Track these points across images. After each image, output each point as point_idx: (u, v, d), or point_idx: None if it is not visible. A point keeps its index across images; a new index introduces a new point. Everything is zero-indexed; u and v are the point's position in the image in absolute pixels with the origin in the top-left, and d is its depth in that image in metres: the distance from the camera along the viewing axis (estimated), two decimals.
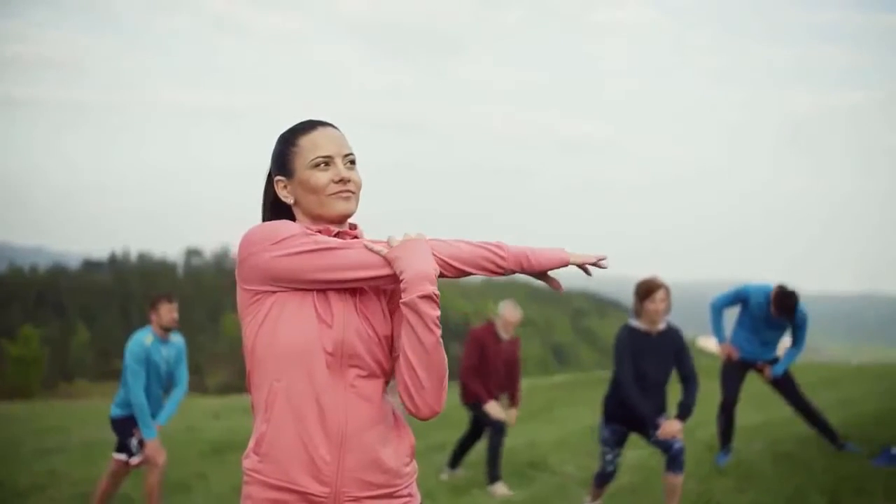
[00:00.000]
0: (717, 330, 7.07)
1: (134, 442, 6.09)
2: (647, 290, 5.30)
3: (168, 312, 6.12)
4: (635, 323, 5.41)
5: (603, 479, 5.72)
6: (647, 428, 5.32)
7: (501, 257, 2.12)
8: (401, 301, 2.00)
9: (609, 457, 5.58)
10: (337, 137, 2.14)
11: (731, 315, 7.08)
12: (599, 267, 2.20)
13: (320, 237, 2.04)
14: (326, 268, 2.00)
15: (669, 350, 5.39)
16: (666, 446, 5.27)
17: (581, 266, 2.19)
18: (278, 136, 2.20)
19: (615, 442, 5.55)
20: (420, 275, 1.98)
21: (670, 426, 5.21)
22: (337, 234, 2.12)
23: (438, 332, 2.00)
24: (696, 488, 6.11)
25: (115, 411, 6.19)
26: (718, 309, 7.01)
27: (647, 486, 6.48)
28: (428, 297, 1.97)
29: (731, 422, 7.00)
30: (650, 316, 5.32)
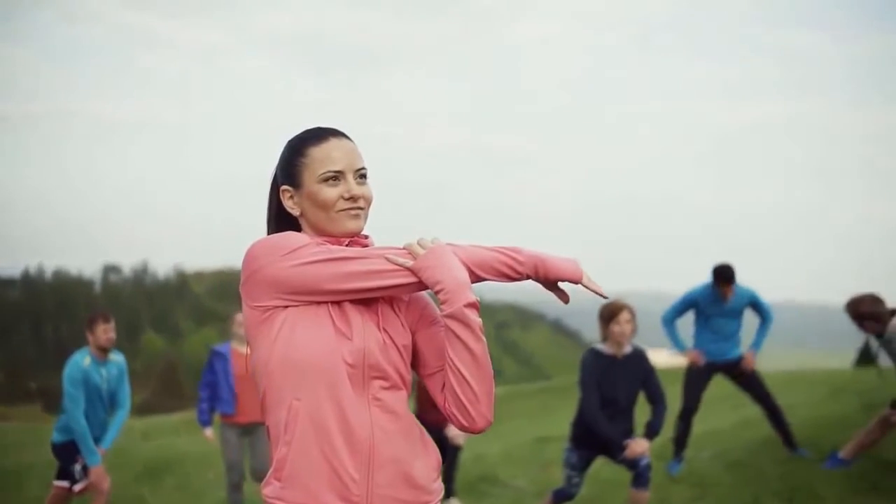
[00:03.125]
0: (675, 341, 7.10)
1: (77, 468, 5.83)
2: (610, 312, 5.20)
3: (104, 332, 5.87)
4: (601, 346, 5.31)
5: (563, 497, 5.64)
6: (614, 451, 5.26)
7: (519, 262, 2.03)
8: (444, 314, 1.91)
9: (575, 480, 5.50)
10: (349, 150, 2.04)
11: (687, 328, 7.13)
12: (600, 296, 2.15)
13: (333, 247, 1.95)
14: (345, 277, 1.91)
15: (636, 372, 5.31)
16: (633, 464, 5.23)
17: (588, 288, 2.11)
18: (287, 141, 2.10)
19: (582, 467, 5.48)
20: (459, 283, 1.91)
21: (637, 445, 5.16)
22: (348, 244, 2.03)
23: (484, 340, 1.93)
24: (653, 497, 6.09)
25: (57, 437, 5.93)
26: (670, 321, 7.05)
27: (602, 499, 6.44)
28: (472, 305, 1.91)
29: (688, 430, 7.02)
30: (616, 339, 5.23)
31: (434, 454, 2.05)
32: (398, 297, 2.06)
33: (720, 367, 7.02)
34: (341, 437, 1.89)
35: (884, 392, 9.95)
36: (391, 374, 1.96)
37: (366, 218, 2.05)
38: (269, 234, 2.13)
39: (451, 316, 1.90)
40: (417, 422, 2.05)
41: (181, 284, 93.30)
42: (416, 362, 2.07)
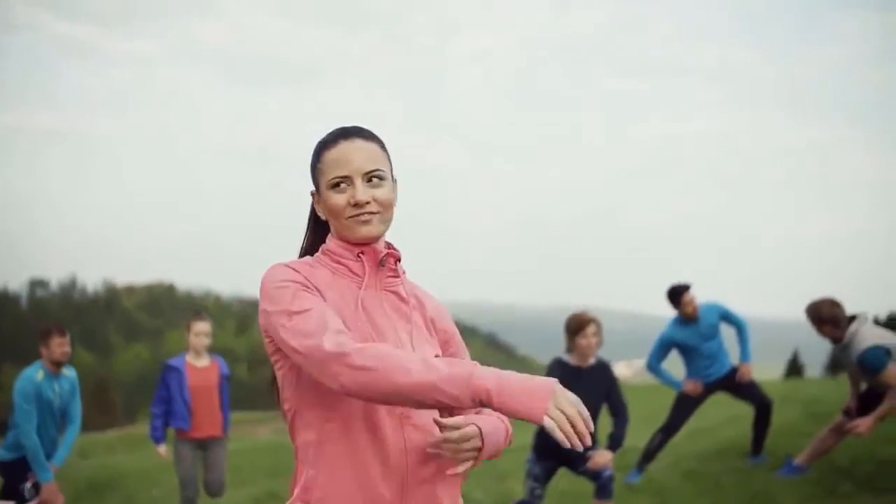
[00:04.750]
0: (670, 381, 7.20)
1: (28, 486, 5.64)
2: (577, 325, 5.22)
3: (59, 346, 5.70)
4: (566, 357, 5.34)
5: None
6: (576, 462, 5.27)
7: (452, 395, 1.66)
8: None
9: (538, 491, 5.50)
10: (358, 152, 1.92)
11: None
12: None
13: (289, 295, 1.82)
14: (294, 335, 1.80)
15: (600, 384, 5.33)
16: (595, 475, 5.24)
17: (552, 435, 1.65)
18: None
19: (545, 478, 5.48)
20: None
21: (601, 457, 5.19)
22: (360, 254, 1.94)
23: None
24: None
25: (4, 454, 5.72)
26: (656, 367, 7.14)
27: None
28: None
29: (663, 445, 7.14)
30: (582, 351, 5.25)
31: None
32: (426, 308, 2.01)
33: (714, 385, 7.10)
34: (375, 459, 1.83)
35: (828, 400, 10.20)
36: None
37: (385, 221, 1.94)
38: (304, 237, 2.08)
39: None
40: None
41: (111, 299, 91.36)
42: None
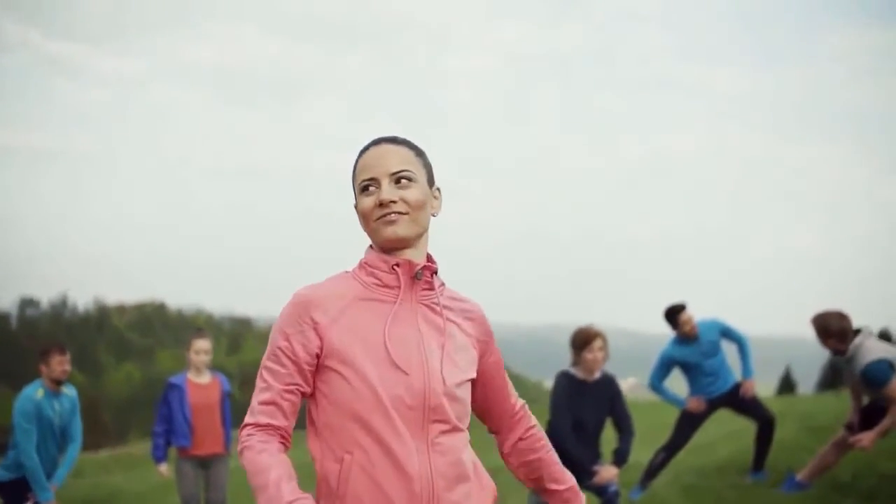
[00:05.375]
0: (673, 400, 7.20)
1: None
2: (584, 339, 5.22)
3: (59, 364, 5.70)
4: (573, 371, 5.33)
5: None
6: (581, 476, 5.26)
7: None
8: None
9: None
10: (385, 154, 1.91)
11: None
12: None
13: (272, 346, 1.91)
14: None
15: (605, 398, 5.33)
16: (601, 490, 5.23)
17: None
18: None
19: None
20: None
21: (607, 472, 5.18)
22: (395, 266, 1.91)
23: None
24: None
25: (4, 474, 5.70)
26: (658, 385, 7.14)
27: None
28: None
29: (667, 462, 7.12)
30: (588, 365, 5.24)
31: (489, 488, 1.99)
32: (462, 318, 1.99)
33: (717, 401, 7.09)
34: (401, 489, 1.80)
35: (824, 415, 10.22)
36: (452, 417, 1.88)
37: (414, 223, 1.89)
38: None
39: None
40: (474, 456, 1.97)
41: (101, 318, 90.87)
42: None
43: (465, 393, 1.93)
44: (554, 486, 2.12)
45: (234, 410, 6.80)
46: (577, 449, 5.15)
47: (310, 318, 1.86)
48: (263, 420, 1.85)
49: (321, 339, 1.85)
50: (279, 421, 1.85)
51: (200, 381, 6.51)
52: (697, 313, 7.06)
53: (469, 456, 1.93)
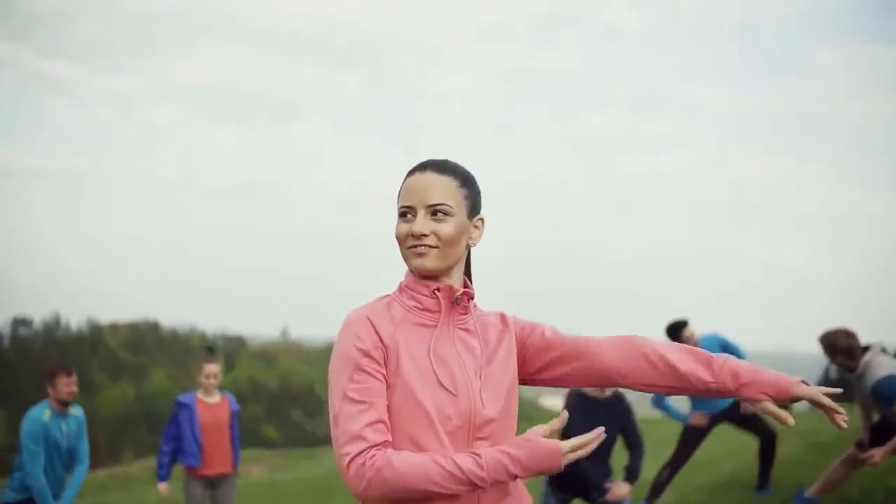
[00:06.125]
0: (675, 415, 7.21)
1: None
2: None
3: (67, 386, 5.70)
4: (583, 388, 5.34)
5: None
6: (594, 493, 5.26)
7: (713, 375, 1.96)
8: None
9: None
10: (424, 185, 1.92)
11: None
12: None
13: (348, 366, 1.86)
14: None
15: (616, 416, 5.37)
16: None
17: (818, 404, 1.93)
18: None
19: None
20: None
21: (618, 489, 5.20)
22: (436, 290, 1.93)
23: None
24: None
25: (11, 496, 5.70)
26: (660, 402, 7.12)
27: None
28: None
29: (671, 478, 7.13)
30: None
31: (527, 499, 2.00)
32: (493, 333, 2.01)
33: (719, 416, 7.10)
34: (447, 500, 1.81)
35: (827, 431, 10.21)
36: (495, 434, 1.90)
37: (444, 257, 1.92)
38: None
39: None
40: None
41: (94, 337, 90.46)
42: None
43: (509, 409, 1.95)
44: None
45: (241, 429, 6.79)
46: (589, 467, 5.16)
47: (377, 335, 1.87)
48: (380, 438, 1.79)
49: (386, 359, 1.87)
50: (389, 437, 1.82)
51: (210, 400, 6.50)
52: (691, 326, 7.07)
53: None
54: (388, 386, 1.85)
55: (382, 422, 1.81)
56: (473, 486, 1.77)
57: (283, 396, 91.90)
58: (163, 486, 6.57)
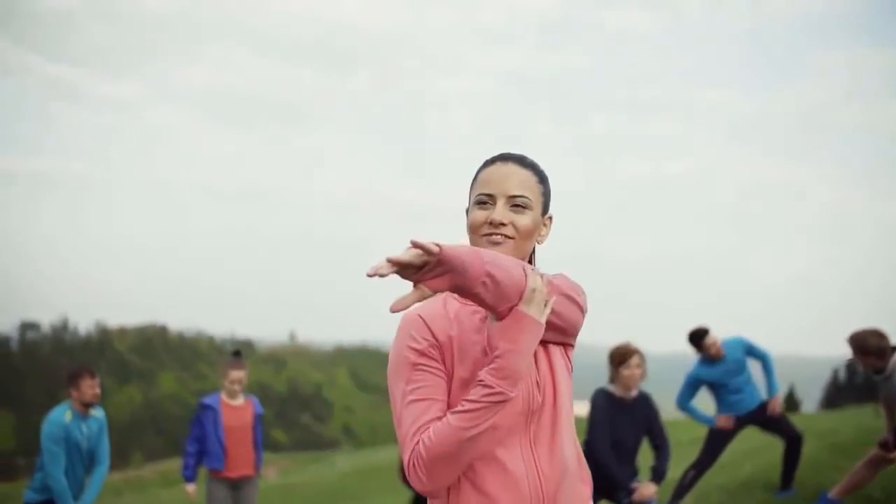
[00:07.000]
0: (701, 418, 7.19)
1: None
2: (622, 356, 5.28)
3: (90, 388, 5.70)
4: (610, 388, 5.35)
5: None
6: (618, 493, 5.24)
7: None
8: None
9: None
10: (507, 175, 1.93)
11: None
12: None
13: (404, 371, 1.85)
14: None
15: (643, 416, 5.37)
16: None
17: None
18: None
19: None
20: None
21: (645, 489, 5.18)
22: None
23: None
24: None
25: (31, 496, 5.69)
26: (686, 405, 7.12)
27: None
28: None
29: (696, 480, 7.11)
30: (625, 382, 5.29)
31: (587, 479, 1.98)
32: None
33: (745, 418, 7.09)
34: (509, 493, 1.81)
35: (845, 432, 10.18)
36: (555, 415, 1.89)
37: (518, 249, 1.91)
38: None
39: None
40: (578, 448, 1.97)
41: (102, 341, 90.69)
42: None
43: (566, 388, 1.94)
44: None
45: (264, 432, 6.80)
46: (616, 467, 5.15)
47: (430, 333, 1.86)
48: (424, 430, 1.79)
49: (443, 356, 1.86)
50: None
51: (234, 402, 6.51)
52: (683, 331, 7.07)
53: (571, 450, 1.93)
54: (450, 379, 1.84)
55: (439, 419, 1.79)
56: (497, 398, 1.72)
57: (292, 400, 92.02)
58: (191, 488, 6.57)
